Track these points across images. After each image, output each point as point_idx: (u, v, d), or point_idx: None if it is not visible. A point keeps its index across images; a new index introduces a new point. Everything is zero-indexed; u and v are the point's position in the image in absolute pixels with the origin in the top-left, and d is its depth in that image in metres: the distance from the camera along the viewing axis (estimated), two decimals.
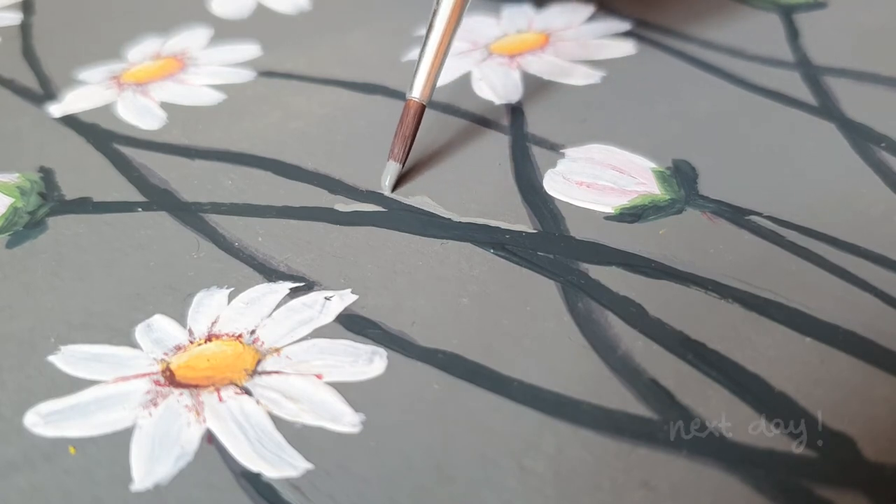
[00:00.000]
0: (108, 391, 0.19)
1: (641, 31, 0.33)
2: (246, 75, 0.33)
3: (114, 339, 0.21)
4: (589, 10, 0.35)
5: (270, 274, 0.22)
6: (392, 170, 0.25)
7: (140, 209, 0.25)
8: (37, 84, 0.33)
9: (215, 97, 0.31)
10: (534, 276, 0.22)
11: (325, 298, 0.21)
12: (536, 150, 0.27)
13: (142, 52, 0.35)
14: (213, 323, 0.21)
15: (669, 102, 0.29)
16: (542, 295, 0.21)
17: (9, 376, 0.20)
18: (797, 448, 0.17)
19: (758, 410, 0.18)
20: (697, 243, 0.22)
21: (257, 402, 0.19)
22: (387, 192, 0.25)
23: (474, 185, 0.25)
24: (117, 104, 0.31)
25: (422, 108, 0.26)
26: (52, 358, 0.20)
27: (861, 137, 0.26)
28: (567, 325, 0.20)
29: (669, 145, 0.26)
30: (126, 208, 0.25)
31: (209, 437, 0.18)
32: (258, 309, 0.21)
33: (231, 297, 0.22)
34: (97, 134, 0.29)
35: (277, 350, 0.20)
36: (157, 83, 0.32)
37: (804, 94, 0.29)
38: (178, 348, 0.20)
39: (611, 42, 0.33)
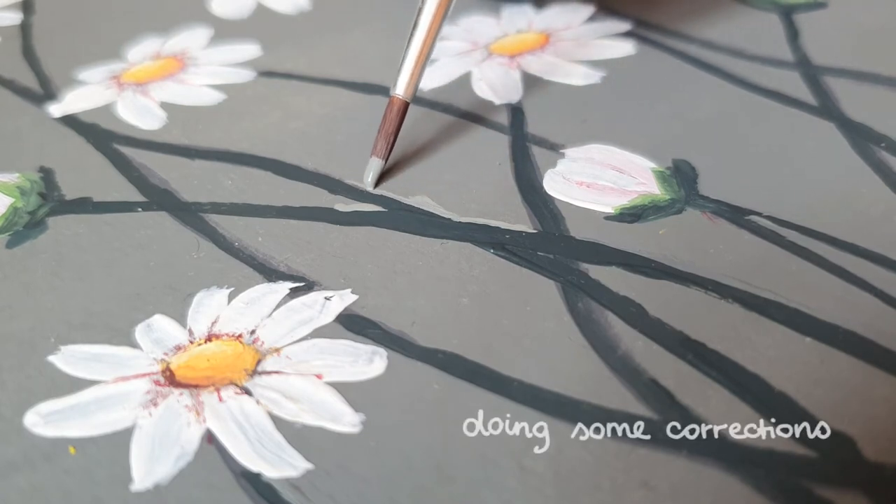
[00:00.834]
0: (108, 391, 0.19)
1: (641, 31, 0.33)
2: (246, 75, 0.33)
3: (114, 339, 0.21)
4: (589, 10, 0.35)
5: (270, 274, 0.22)
6: (375, 166, 0.25)
7: (140, 209, 0.25)
8: (37, 84, 0.33)
9: (215, 97, 0.31)
10: (534, 276, 0.22)
11: (325, 298, 0.21)
12: (536, 150, 0.27)
13: (142, 52, 0.35)
14: (213, 323, 0.21)
15: (669, 102, 0.29)
16: (542, 295, 0.21)
17: (9, 376, 0.20)
18: (797, 448, 0.17)
19: (758, 410, 0.18)
20: (697, 243, 0.22)
21: (257, 402, 0.19)
22: (369, 188, 0.25)
23: (474, 185, 0.25)
24: (117, 104, 0.31)
25: (405, 105, 0.26)
26: (52, 358, 0.20)
27: (861, 137, 0.26)
28: (567, 325, 0.20)
29: (669, 145, 0.26)
30: (126, 208, 0.25)
31: (209, 437, 0.18)
32: (258, 309, 0.21)
33: (231, 297, 0.22)
34: (97, 134, 0.29)
35: (277, 350, 0.20)
36: (157, 83, 0.32)
37: (804, 93, 0.29)
38: (178, 348, 0.20)
39: (611, 42, 0.33)
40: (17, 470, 0.18)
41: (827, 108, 0.28)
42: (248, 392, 0.19)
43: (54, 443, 0.18)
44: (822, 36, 0.32)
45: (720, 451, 0.17)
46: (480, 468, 0.17)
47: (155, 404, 0.19)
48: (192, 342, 0.21)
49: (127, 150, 0.28)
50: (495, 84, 0.30)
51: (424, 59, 0.26)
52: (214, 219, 0.25)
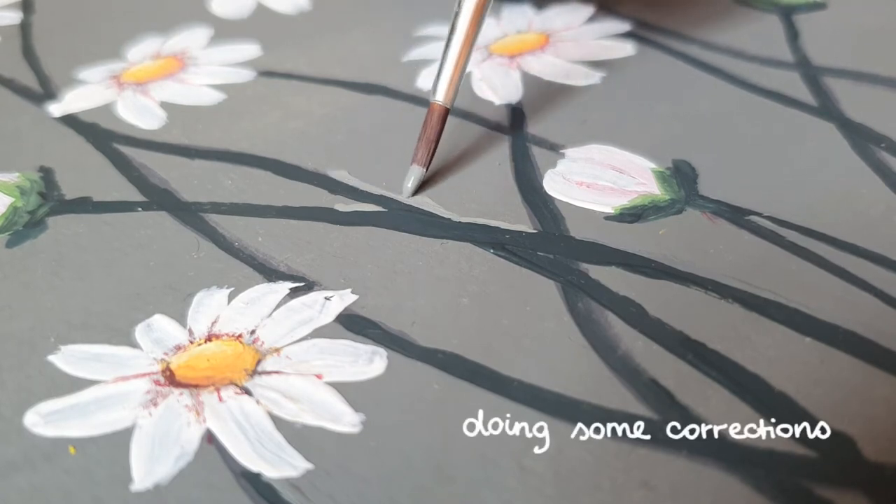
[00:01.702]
0: (108, 391, 0.19)
1: (641, 31, 0.33)
2: (246, 75, 0.33)
3: (114, 338, 0.21)
4: (589, 10, 0.35)
5: (270, 274, 0.22)
6: (416, 174, 0.25)
7: (140, 209, 0.25)
8: (37, 83, 0.33)
9: (215, 97, 0.31)
10: (534, 276, 0.22)
11: (325, 298, 0.21)
12: (536, 151, 0.27)
13: (142, 51, 0.35)
14: (213, 323, 0.21)
15: (669, 103, 0.29)
16: (542, 295, 0.21)
17: (9, 376, 0.20)
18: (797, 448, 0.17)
19: (758, 410, 0.18)
20: (697, 243, 0.22)
21: (257, 402, 0.19)
22: (406, 196, 0.25)
23: (474, 185, 0.25)
24: (117, 104, 0.31)
25: (446, 112, 0.25)
26: (52, 358, 0.20)
27: (861, 138, 0.26)
28: (567, 325, 0.20)
29: (669, 145, 0.26)
30: (126, 208, 0.25)
31: (209, 437, 0.18)
32: (258, 309, 0.21)
33: (231, 297, 0.22)
34: (97, 133, 0.29)
35: (277, 350, 0.20)
36: (157, 83, 0.32)
37: (804, 94, 0.29)
38: (178, 348, 0.20)
39: (611, 43, 0.33)
40: (17, 470, 0.18)
41: (827, 109, 0.28)
42: (248, 392, 0.19)
43: (54, 443, 0.18)
44: (821, 36, 0.32)
45: (720, 451, 0.17)
46: (480, 468, 0.17)
47: (155, 404, 0.19)
48: (192, 342, 0.21)
49: (127, 150, 0.28)
50: (495, 84, 0.30)
51: (464, 64, 0.25)
52: (214, 218, 0.25)
